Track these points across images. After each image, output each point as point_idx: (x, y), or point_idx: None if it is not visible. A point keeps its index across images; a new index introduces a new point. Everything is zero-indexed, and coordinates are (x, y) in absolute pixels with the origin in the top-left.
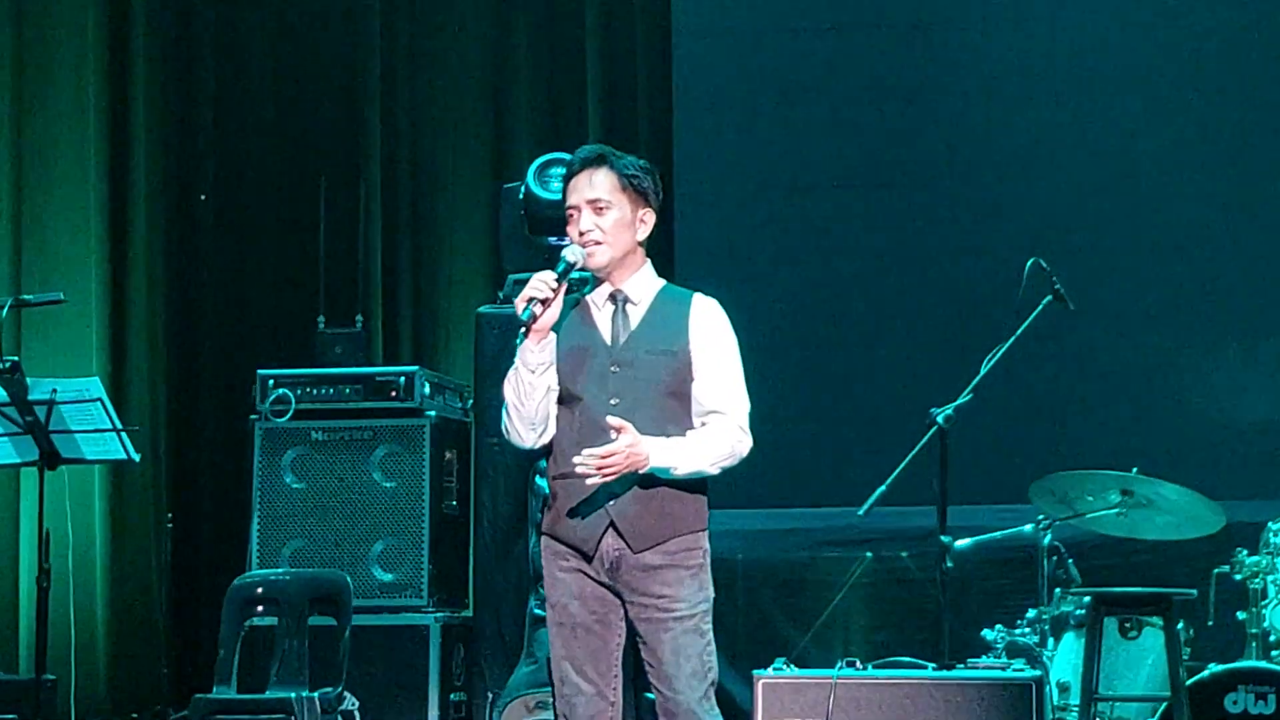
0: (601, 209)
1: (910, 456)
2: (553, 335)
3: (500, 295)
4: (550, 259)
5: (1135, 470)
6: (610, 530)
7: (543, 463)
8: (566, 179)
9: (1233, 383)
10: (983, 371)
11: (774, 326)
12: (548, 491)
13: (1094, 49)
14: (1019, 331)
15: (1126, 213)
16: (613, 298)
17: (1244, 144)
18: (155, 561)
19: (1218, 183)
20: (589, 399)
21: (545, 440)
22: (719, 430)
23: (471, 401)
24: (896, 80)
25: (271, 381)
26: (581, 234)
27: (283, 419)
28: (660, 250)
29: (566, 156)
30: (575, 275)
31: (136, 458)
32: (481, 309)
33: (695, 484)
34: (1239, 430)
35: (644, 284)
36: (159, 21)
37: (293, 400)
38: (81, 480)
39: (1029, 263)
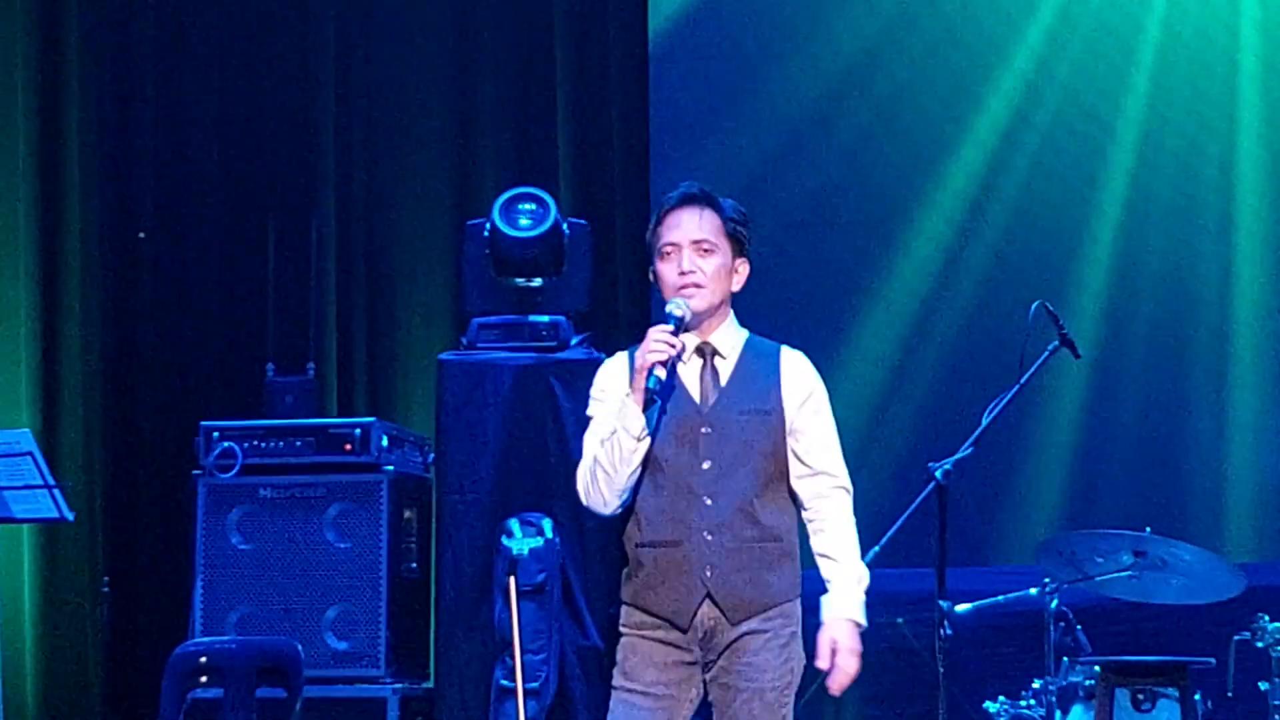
0: (707, 251)
1: (906, 515)
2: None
3: (464, 340)
4: (520, 301)
5: (1149, 530)
6: (707, 601)
7: (511, 522)
8: (664, 212)
9: (1253, 437)
10: (984, 423)
11: None
12: (514, 554)
13: (1096, 84)
14: (1023, 380)
15: (1136, 256)
16: (700, 350)
17: (1259, 187)
18: (90, 629)
19: (1235, 226)
20: (678, 462)
21: (622, 508)
22: (843, 521)
23: (432, 455)
24: (889, 113)
25: (216, 434)
26: (683, 273)
27: (228, 474)
28: (638, 288)
29: (534, 191)
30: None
31: (70, 517)
32: (443, 355)
33: (791, 551)
34: (1260, 488)
35: (731, 336)
36: (95, 48)
37: (239, 454)
38: (10, 541)
39: (1034, 306)
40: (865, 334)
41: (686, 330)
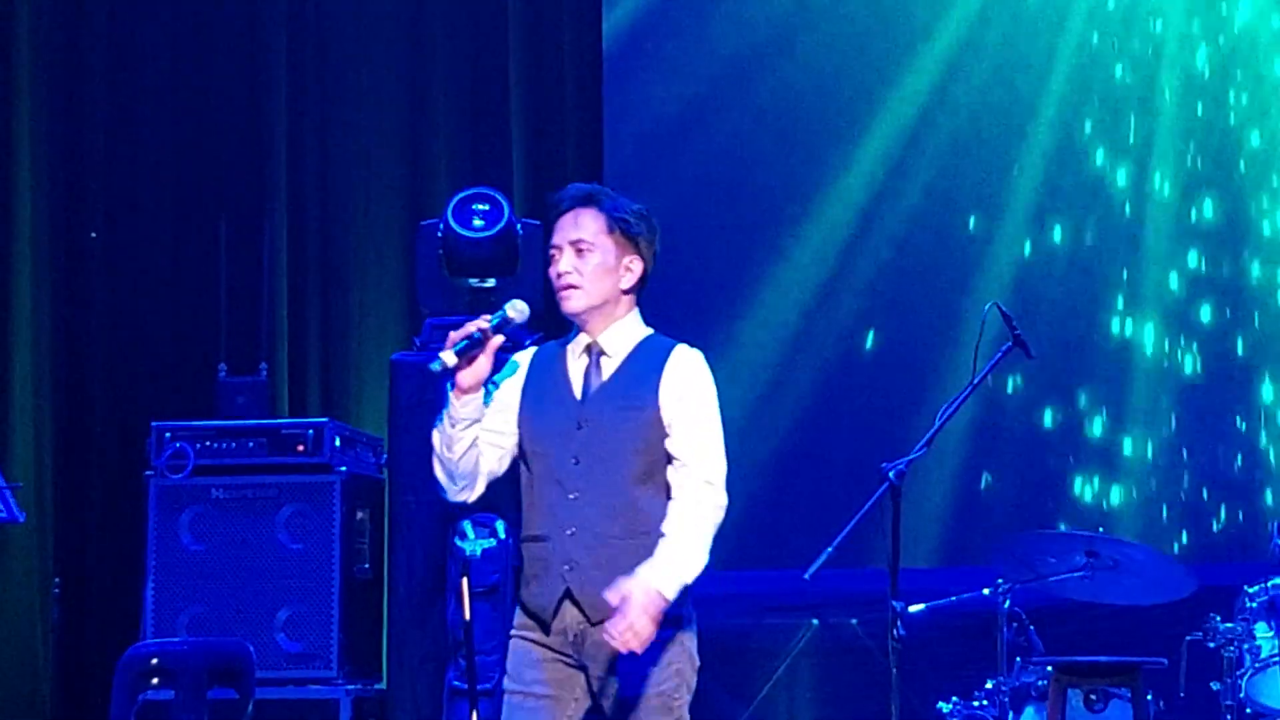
0: (583, 251)
1: (860, 515)
2: (483, 391)
3: (417, 341)
4: (474, 301)
5: (1101, 530)
6: (568, 600)
7: (464, 523)
8: (553, 217)
9: (1205, 439)
10: (938, 424)
11: (711, 374)
12: (468, 555)
13: (1014, 71)
14: (976, 381)
15: (1088, 259)
16: (588, 349)
17: (1209, 187)
18: (41, 630)
19: (1188, 231)
20: (550, 458)
21: (472, 497)
22: (691, 507)
23: (386, 456)
24: (841, 118)
25: (168, 434)
26: (559, 275)
27: (180, 475)
28: None
29: (488, 191)
30: (513, 329)
31: (21, 518)
32: (396, 356)
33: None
34: (1211, 489)
35: (623, 335)
36: (46, 47)
37: (191, 455)
38: None
39: (987, 307)
40: (819, 334)
41: (578, 331)
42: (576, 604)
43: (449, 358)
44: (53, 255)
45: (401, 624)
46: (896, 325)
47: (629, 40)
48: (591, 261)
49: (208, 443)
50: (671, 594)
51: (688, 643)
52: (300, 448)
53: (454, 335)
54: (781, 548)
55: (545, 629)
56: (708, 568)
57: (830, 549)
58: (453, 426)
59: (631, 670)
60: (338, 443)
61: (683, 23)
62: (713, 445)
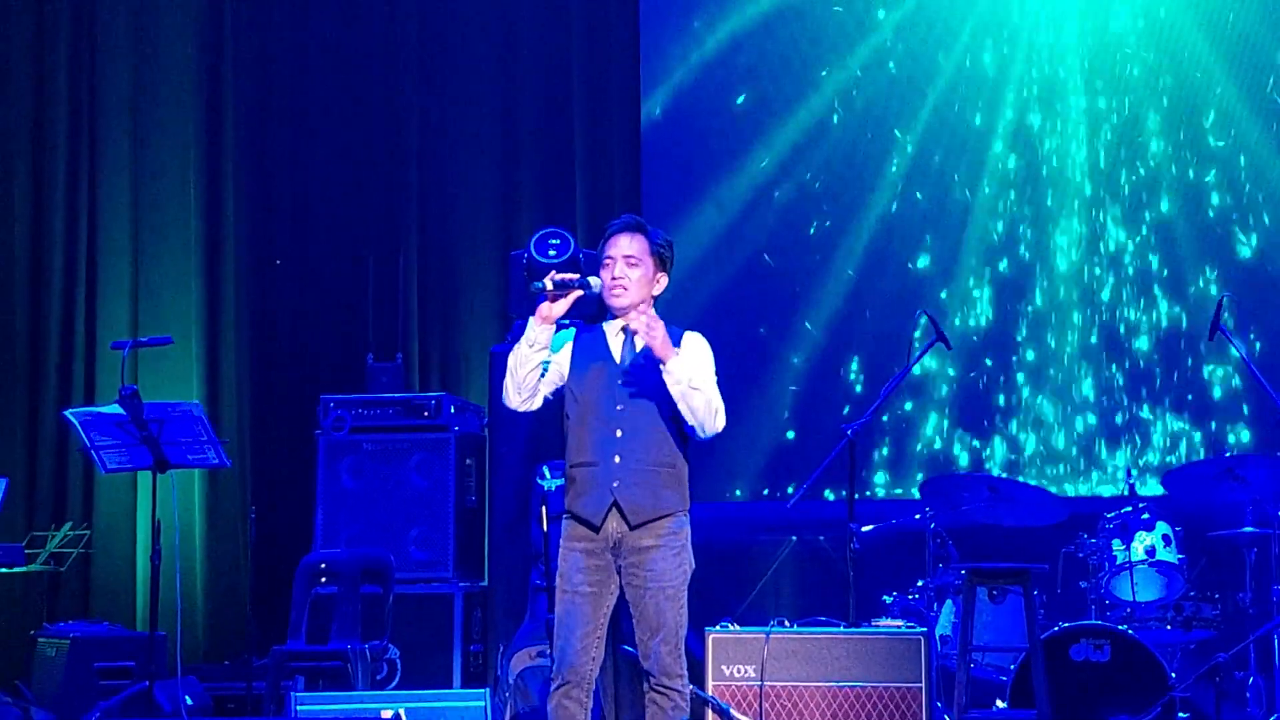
0: (633, 264)
1: (827, 461)
2: (553, 326)
3: (509, 337)
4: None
5: (1000, 473)
6: (614, 509)
7: (543, 467)
8: (608, 235)
9: (1075, 400)
10: (882, 396)
11: (726, 371)
12: (546, 490)
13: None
14: (909, 365)
15: (990, 254)
16: (624, 329)
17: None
18: (242, 544)
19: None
20: (598, 402)
21: (529, 408)
22: (713, 393)
23: (486, 420)
24: (837, 160)
25: (332, 404)
26: (614, 279)
27: (340, 433)
28: None
29: (561, 230)
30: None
31: (228, 464)
32: (494, 348)
33: (680, 474)
34: (1083, 438)
35: None
36: (243, 128)
37: (348, 419)
38: (185, 481)
39: (918, 313)
40: (808, 330)
41: (615, 319)
42: (620, 513)
43: (548, 283)
44: (250, 277)
45: (498, 540)
46: (862, 318)
47: (660, 128)
48: (637, 272)
49: (360, 410)
50: (668, 363)
51: (690, 551)
52: (426, 414)
53: (555, 275)
54: (771, 485)
55: (594, 531)
56: (720, 499)
57: (806, 486)
58: (529, 347)
59: (654, 570)
60: (453, 410)
61: (696, 120)
62: (714, 388)
